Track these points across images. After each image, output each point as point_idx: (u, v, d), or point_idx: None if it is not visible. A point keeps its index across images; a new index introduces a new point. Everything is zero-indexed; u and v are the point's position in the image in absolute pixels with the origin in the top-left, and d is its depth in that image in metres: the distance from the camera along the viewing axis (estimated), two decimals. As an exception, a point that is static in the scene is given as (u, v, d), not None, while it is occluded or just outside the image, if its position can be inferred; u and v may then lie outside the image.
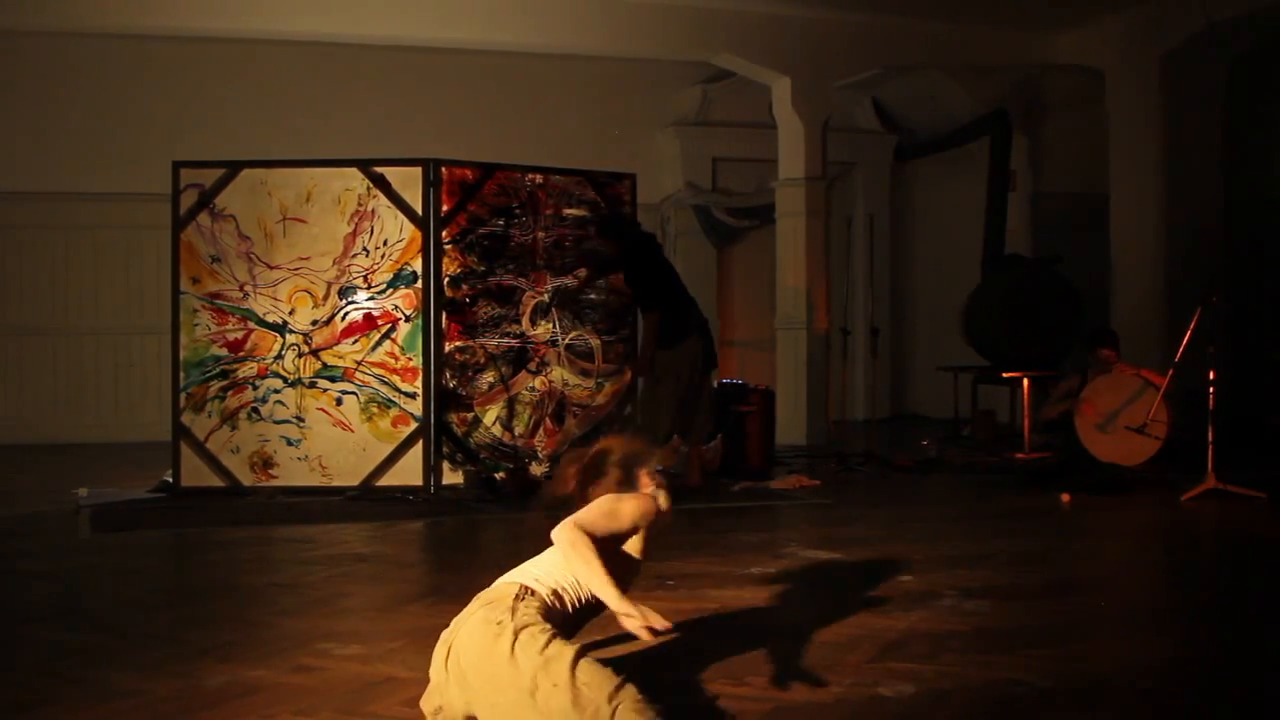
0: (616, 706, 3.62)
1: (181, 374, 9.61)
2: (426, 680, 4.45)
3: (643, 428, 10.00)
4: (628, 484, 4.49)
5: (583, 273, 10.20)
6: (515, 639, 3.83)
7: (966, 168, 15.41)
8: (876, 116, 16.53)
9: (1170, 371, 9.55)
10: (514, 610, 3.97)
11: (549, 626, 3.91)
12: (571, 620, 4.17)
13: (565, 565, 4.23)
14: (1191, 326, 9.32)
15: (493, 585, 4.23)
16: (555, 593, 4.16)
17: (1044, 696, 4.34)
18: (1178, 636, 5.39)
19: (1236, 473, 9.24)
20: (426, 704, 4.05)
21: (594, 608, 4.25)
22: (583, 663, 3.75)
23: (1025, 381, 12.10)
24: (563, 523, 4.30)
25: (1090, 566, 7.19)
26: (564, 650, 3.78)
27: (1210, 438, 9.17)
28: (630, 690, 3.68)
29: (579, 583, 4.20)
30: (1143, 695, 4.44)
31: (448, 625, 5.29)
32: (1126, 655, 4.98)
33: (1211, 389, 9.24)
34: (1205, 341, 9.23)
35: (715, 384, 11.04)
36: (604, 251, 10.10)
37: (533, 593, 4.11)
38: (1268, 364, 12.57)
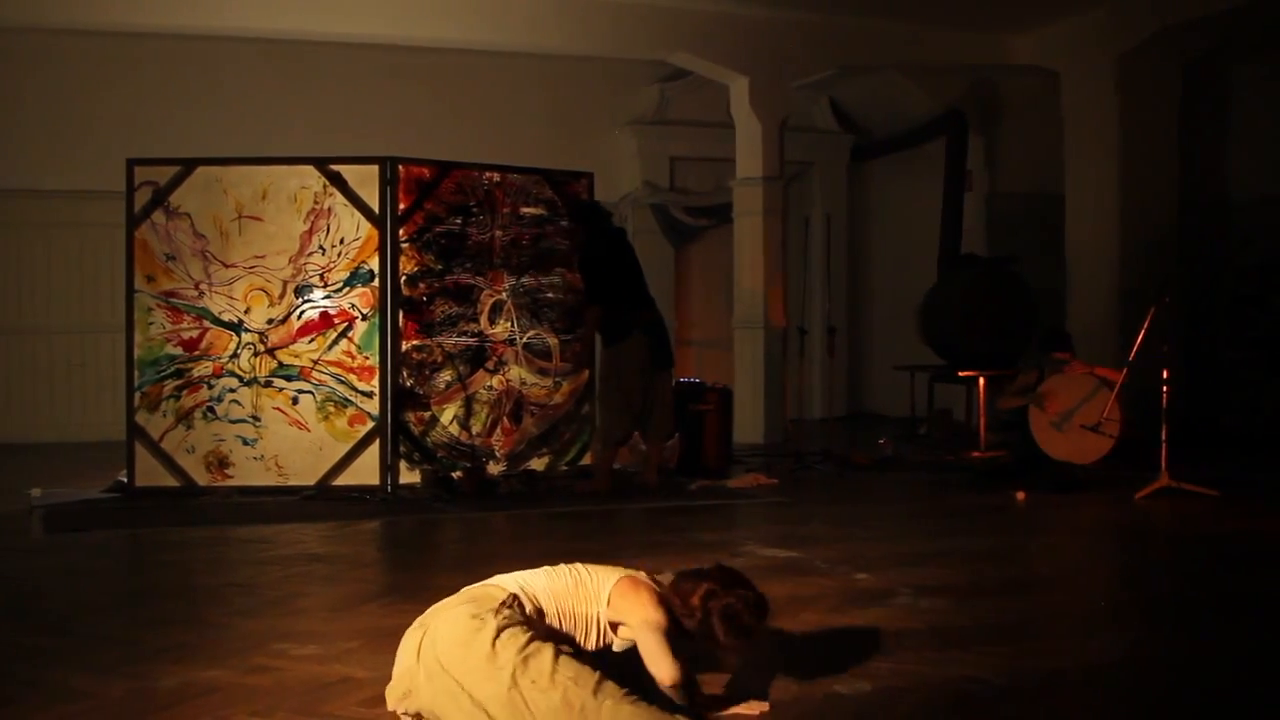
0: (604, 701, 3.64)
1: (136, 373, 9.54)
2: (384, 680, 4.44)
3: (599, 429, 10.02)
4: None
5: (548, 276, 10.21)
6: (497, 635, 3.84)
7: (923, 168, 15.46)
8: (834, 116, 16.57)
9: (1124, 370, 9.62)
10: (497, 611, 3.96)
11: (527, 627, 3.93)
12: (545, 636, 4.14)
13: (633, 636, 4.15)
14: (1145, 326, 9.39)
15: (480, 583, 4.22)
16: (539, 611, 4.13)
17: (999, 693, 4.37)
18: (1132, 633, 5.43)
19: (1190, 471, 9.32)
20: (392, 691, 4.04)
21: (563, 637, 4.18)
22: (562, 660, 3.79)
23: (981, 380, 12.16)
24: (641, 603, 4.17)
25: (1045, 564, 7.24)
26: (543, 648, 3.82)
27: (1164, 436, 9.25)
28: (611, 685, 3.73)
29: (561, 612, 4.17)
30: (1098, 692, 4.48)
31: (405, 625, 5.28)
32: (1081, 652, 5.01)
33: (1165, 388, 9.32)
34: (1159, 341, 9.31)
35: (673, 383, 11.06)
36: (562, 249, 10.13)
37: (518, 602, 4.10)
38: (1220, 363, 12.69)
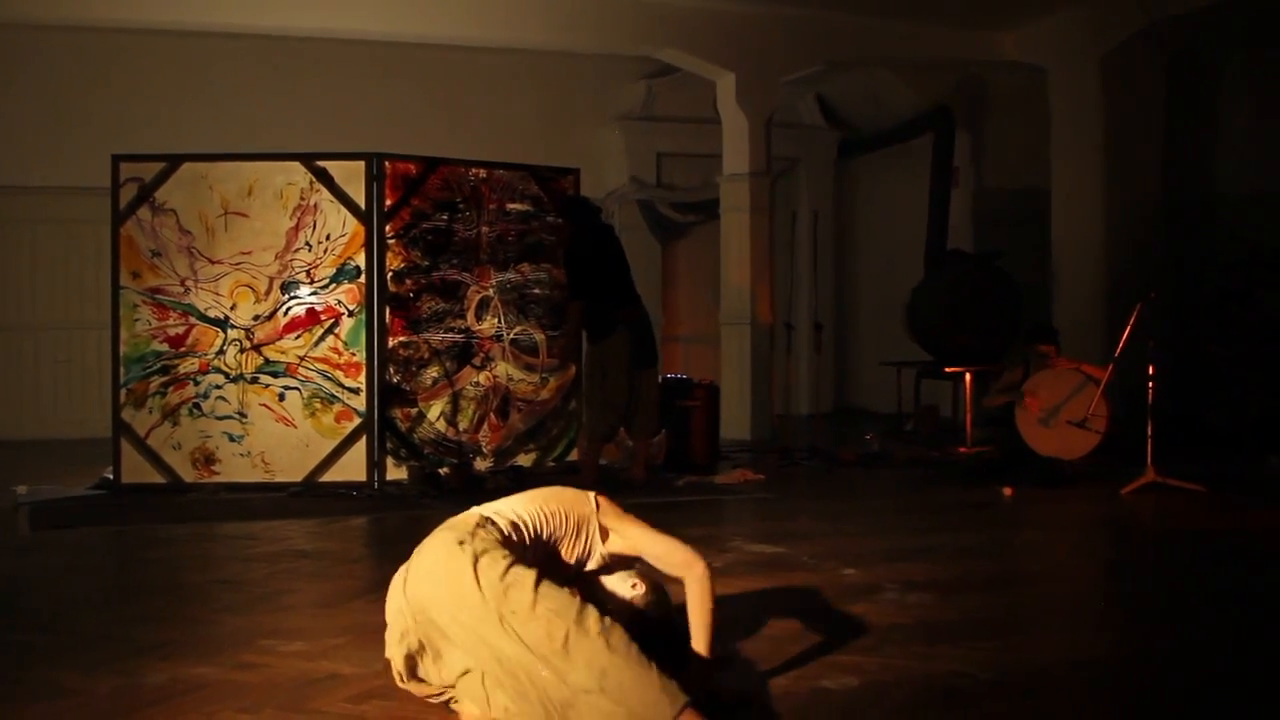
0: (586, 633, 3.72)
1: (122, 369, 9.52)
2: (371, 675, 4.45)
3: (585, 425, 10.02)
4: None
5: (525, 267, 10.19)
6: (476, 561, 3.88)
7: (910, 164, 15.48)
8: (821, 113, 16.58)
9: (1110, 366, 9.64)
10: (474, 535, 4.02)
11: (508, 553, 3.96)
12: (527, 555, 4.13)
13: (631, 541, 4.39)
14: (1131, 322, 9.41)
15: (455, 516, 4.28)
16: (514, 525, 4.21)
17: (986, 688, 4.38)
18: (1118, 628, 5.45)
19: (1175, 466, 9.35)
20: (390, 635, 4.11)
21: (546, 549, 4.26)
22: (542, 589, 3.82)
23: (967, 376, 12.18)
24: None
25: (1031, 559, 7.25)
26: (523, 576, 3.84)
27: (1150, 431, 9.27)
28: (593, 614, 3.78)
29: (533, 521, 4.27)
30: (1084, 686, 4.49)
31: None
32: (1068, 647, 5.02)
33: (1151, 383, 9.34)
34: (1145, 337, 9.33)
35: (660, 379, 11.06)
36: (549, 244, 10.15)
37: (492, 523, 4.16)
38: (1206, 359, 12.70)
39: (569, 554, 4.30)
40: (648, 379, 9.91)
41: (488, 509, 4.29)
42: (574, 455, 10.27)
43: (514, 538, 4.14)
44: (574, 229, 9.82)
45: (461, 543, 3.97)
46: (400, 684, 4.13)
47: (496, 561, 3.88)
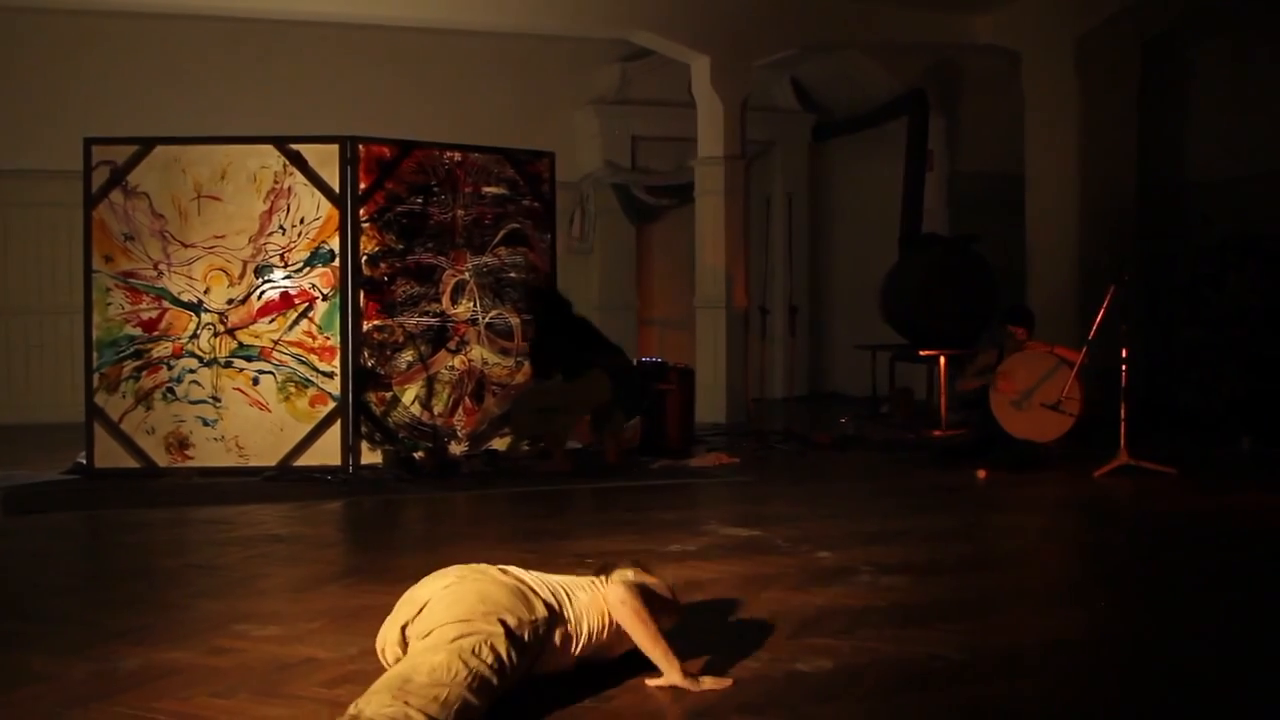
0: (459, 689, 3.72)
1: (95, 354, 9.48)
2: (345, 661, 4.45)
3: (512, 420, 10.06)
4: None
5: (502, 251, 10.19)
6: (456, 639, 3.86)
7: (884, 148, 15.49)
8: (795, 96, 16.57)
9: (1084, 349, 9.68)
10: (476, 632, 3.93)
11: (484, 667, 3.83)
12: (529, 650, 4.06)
13: (613, 616, 4.29)
14: (1104, 305, 9.45)
15: (504, 578, 4.21)
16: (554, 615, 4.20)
17: (960, 670, 4.40)
18: (1091, 609, 5.47)
19: (1148, 448, 9.40)
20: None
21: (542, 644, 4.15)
22: (484, 650, 3.86)
23: (942, 359, 12.21)
24: (619, 582, 4.34)
25: (1005, 541, 7.28)
26: (472, 669, 3.79)
27: (1122, 414, 9.32)
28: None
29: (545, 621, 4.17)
30: (1057, 667, 4.51)
31: (367, 605, 5.29)
32: (1041, 628, 5.05)
33: (1124, 366, 9.39)
34: (1118, 320, 9.37)
35: (634, 362, 11.09)
36: (524, 229, 10.19)
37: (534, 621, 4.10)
38: (1178, 342, 12.76)
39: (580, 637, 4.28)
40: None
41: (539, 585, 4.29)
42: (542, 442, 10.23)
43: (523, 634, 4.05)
44: (545, 314, 10.07)
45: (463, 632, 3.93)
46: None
47: (470, 652, 3.83)
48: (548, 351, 9.91)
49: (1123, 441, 9.26)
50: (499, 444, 10.17)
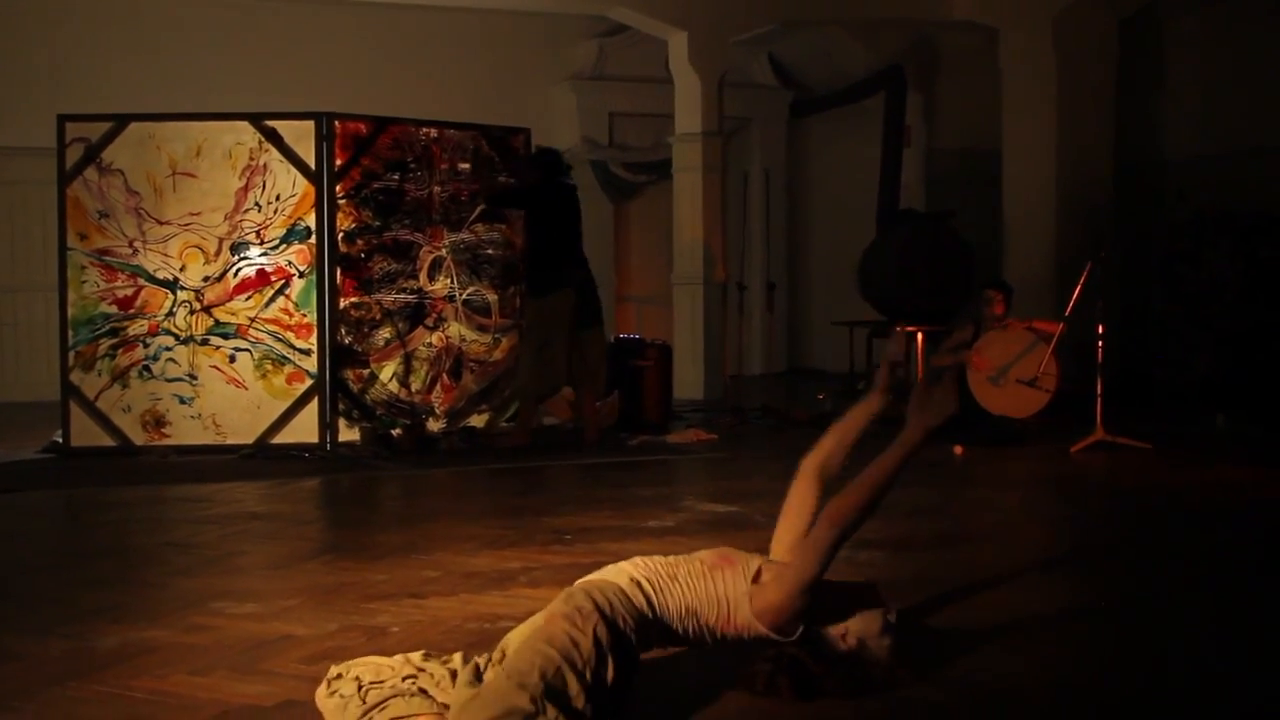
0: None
1: (70, 332, 9.44)
2: (324, 637, 4.45)
3: (520, 383, 9.98)
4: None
5: (479, 228, 10.14)
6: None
7: (862, 124, 15.50)
8: (773, 72, 16.56)
9: (1060, 325, 9.71)
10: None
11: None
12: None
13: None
14: (1081, 281, 9.47)
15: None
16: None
17: (936, 644, 4.41)
18: (1067, 584, 5.50)
19: (1124, 424, 9.43)
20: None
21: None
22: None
23: (919, 335, 12.23)
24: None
25: (982, 517, 7.30)
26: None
27: (1099, 390, 9.35)
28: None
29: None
30: (1035, 641, 4.52)
31: (345, 582, 5.31)
32: (1018, 603, 5.06)
33: (1100, 342, 9.41)
34: (1094, 296, 9.39)
35: (611, 340, 11.08)
36: (507, 185, 10.11)
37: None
38: (1154, 318, 12.81)
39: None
40: (592, 340, 9.93)
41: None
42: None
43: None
44: (541, 178, 9.83)
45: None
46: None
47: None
48: (538, 228, 9.78)
49: (1099, 417, 9.29)
50: (477, 421, 10.16)
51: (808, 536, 4.04)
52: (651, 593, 3.73)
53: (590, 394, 10.03)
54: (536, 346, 9.72)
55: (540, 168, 9.92)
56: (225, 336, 9.52)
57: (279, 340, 9.55)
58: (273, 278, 9.55)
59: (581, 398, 10.05)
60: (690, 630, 3.78)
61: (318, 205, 9.54)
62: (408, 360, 9.91)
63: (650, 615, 3.68)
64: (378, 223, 9.76)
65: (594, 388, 10.05)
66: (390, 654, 3.92)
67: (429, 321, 9.99)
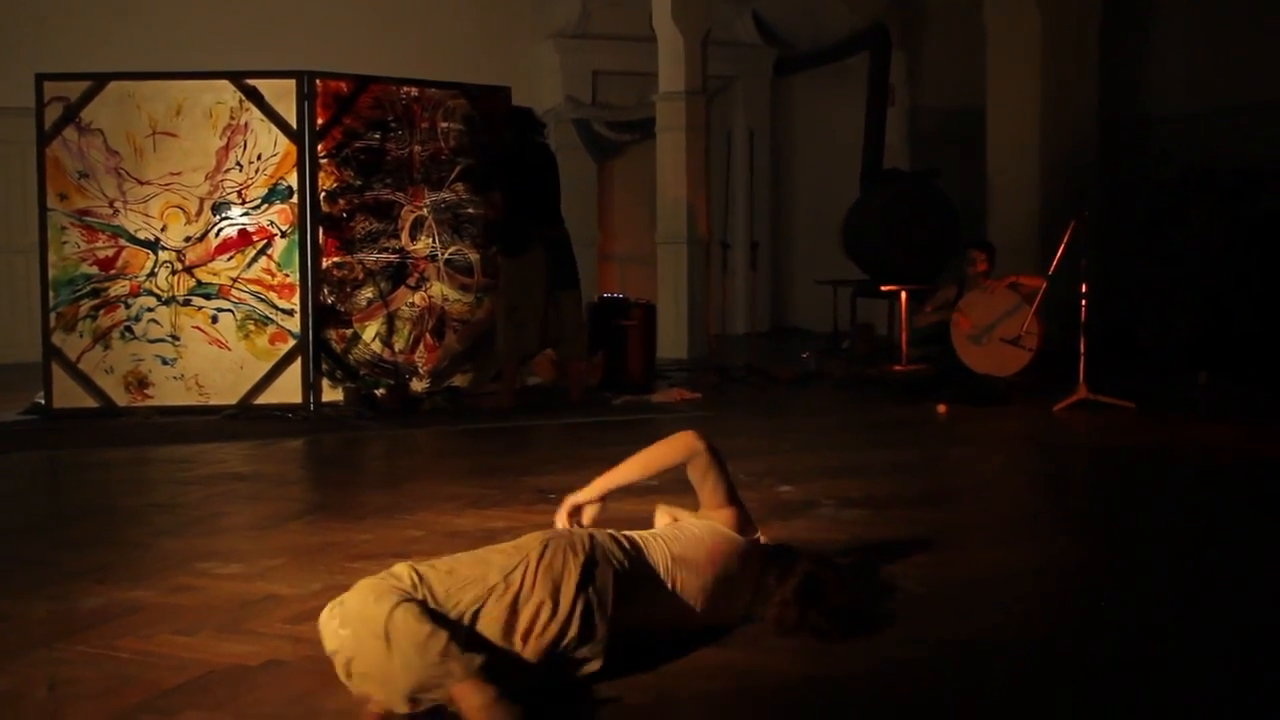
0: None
1: (51, 293, 9.39)
2: (309, 597, 4.44)
3: (501, 344, 9.96)
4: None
5: (460, 188, 10.10)
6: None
7: (846, 83, 15.47)
8: (757, 30, 16.51)
9: (1044, 284, 9.72)
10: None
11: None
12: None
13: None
14: (1065, 240, 9.47)
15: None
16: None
17: (920, 601, 4.43)
18: (1050, 542, 5.52)
19: (1106, 383, 9.45)
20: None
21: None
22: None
23: (903, 294, 12.24)
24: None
25: (965, 475, 7.32)
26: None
27: (1082, 349, 9.36)
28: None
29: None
30: (1019, 598, 4.55)
31: (329, 542, 5.31)
32: (1000, 561, 5.08)
33: (1083, 301, 9.43)
34: (1078, 254, 9.39)
35: (595, 299, 11.07)
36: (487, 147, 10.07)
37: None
38: (1138, 277, 12.83)
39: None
40: (569, 301, 9.92)
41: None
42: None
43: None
44: (517, 138, 9.80)
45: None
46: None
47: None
48: (511, 188, 9.76)
49: (1082, 376, 9.31)
50: (460, 381, 10.15)
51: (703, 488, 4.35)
52: (633, 543, 3.92)
53: (571, 355, 10.04)
54: (510, 307, 9.72)
55: (513, 127, 9.89)
56: (207, 297, 9.49)
57: (261, 300, 9.52)
58: (255, 238, 9.51)
59: (563, 359, 10.05)
60: (677, 582, 3.88)
61: (299, 165, 9.49)
62: (390, 320, 9.89)
63: (639, 557, 3.86)
64: (359, 182, 9.71)
65: (575, 349, 10.06)
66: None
67: (411, 281, 9.96)
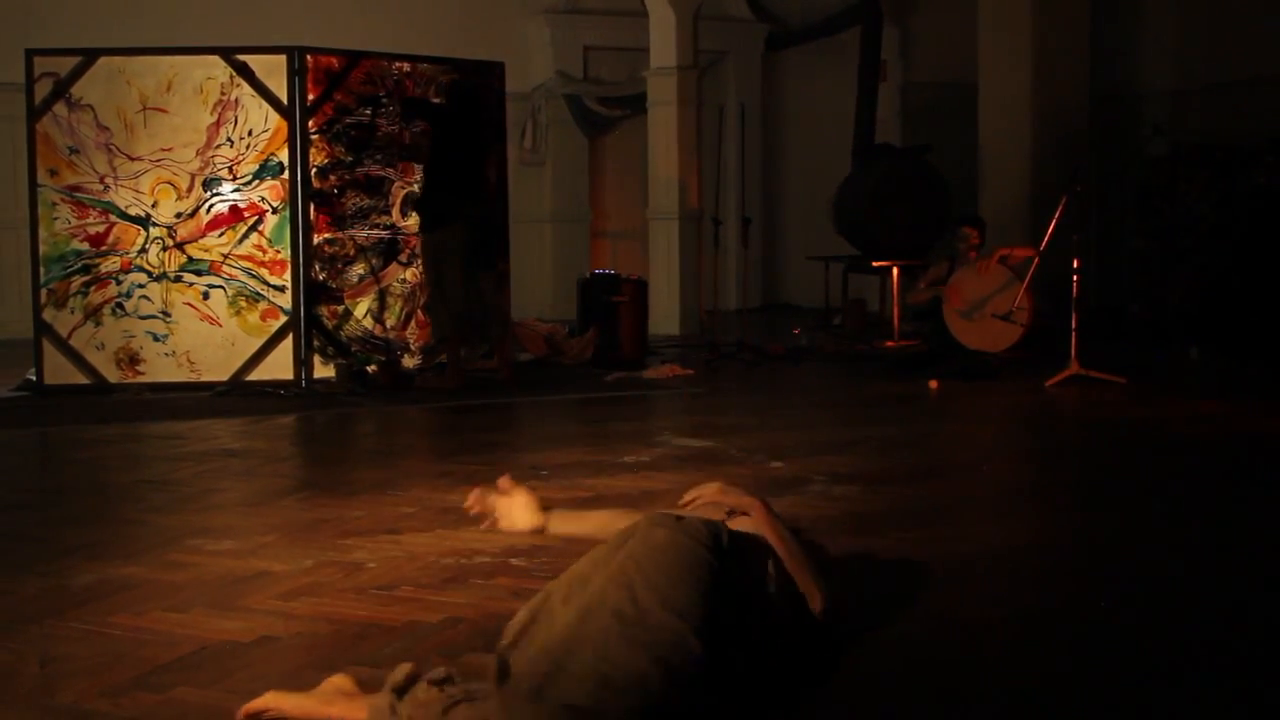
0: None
1: (42, 269, 9.37)
2: (300, 573, 4.45)
3: (430, 324, 9.85)
4: None
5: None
6: None
7: (838, 57, 15.44)
8: (748, 5, 16.45)
9: (1035, 260, 9.73)
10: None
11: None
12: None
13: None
14: (1056, 215, 9.47)
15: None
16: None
17: (910, 576, 4.44)
18: (1043, 517, 5.54)
19: (1098, 358, 9.46)
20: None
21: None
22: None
23: (895, 270, 12.24)
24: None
25: (957, 451, 7.34)
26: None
27: (1073, 324, 9.37)
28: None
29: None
30: (1010, 573, 4.56)
31: (322, 518, 5.32)
32: (991, 536, 5.10)
33: (1075, 277, 9.43)
34: (1070, 230, 9.40)
35: (586, 275, 11.06)
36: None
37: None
38: (1129, 252, 12.84)
39: None
40: (488, 283, 9.83)
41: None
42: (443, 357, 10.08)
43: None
44: (449, 111, 9.70)
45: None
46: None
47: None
48: (435, 160, 9.54)
49: (1073, 351, 9.32)
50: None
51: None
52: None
53: (495, 339, 9.94)
54: (433, 283, 9.55)
55: (455, 98, 9.80)
56: (199, 273, 9.47)
57: (253, 277, 9.50)
58: (246, 214, 9.49)
59: (490, 343, 9.97)
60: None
61: (291, 140, 9.47)
62: (382, 296, 9.88)
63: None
64: (350, 158, 9.69)
65: (496, 332, 9.92)
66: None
67: (402, 258, 9.95)
